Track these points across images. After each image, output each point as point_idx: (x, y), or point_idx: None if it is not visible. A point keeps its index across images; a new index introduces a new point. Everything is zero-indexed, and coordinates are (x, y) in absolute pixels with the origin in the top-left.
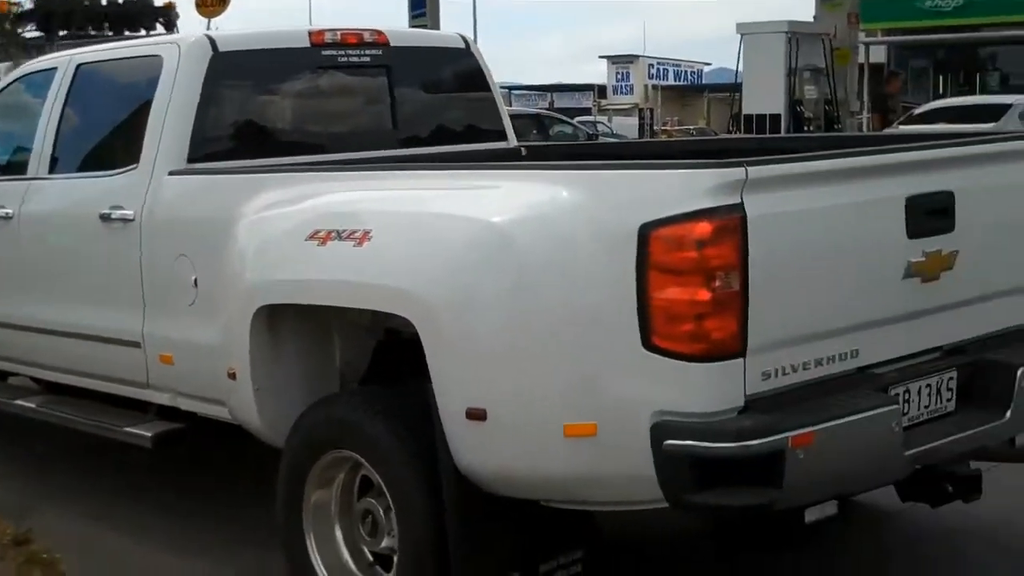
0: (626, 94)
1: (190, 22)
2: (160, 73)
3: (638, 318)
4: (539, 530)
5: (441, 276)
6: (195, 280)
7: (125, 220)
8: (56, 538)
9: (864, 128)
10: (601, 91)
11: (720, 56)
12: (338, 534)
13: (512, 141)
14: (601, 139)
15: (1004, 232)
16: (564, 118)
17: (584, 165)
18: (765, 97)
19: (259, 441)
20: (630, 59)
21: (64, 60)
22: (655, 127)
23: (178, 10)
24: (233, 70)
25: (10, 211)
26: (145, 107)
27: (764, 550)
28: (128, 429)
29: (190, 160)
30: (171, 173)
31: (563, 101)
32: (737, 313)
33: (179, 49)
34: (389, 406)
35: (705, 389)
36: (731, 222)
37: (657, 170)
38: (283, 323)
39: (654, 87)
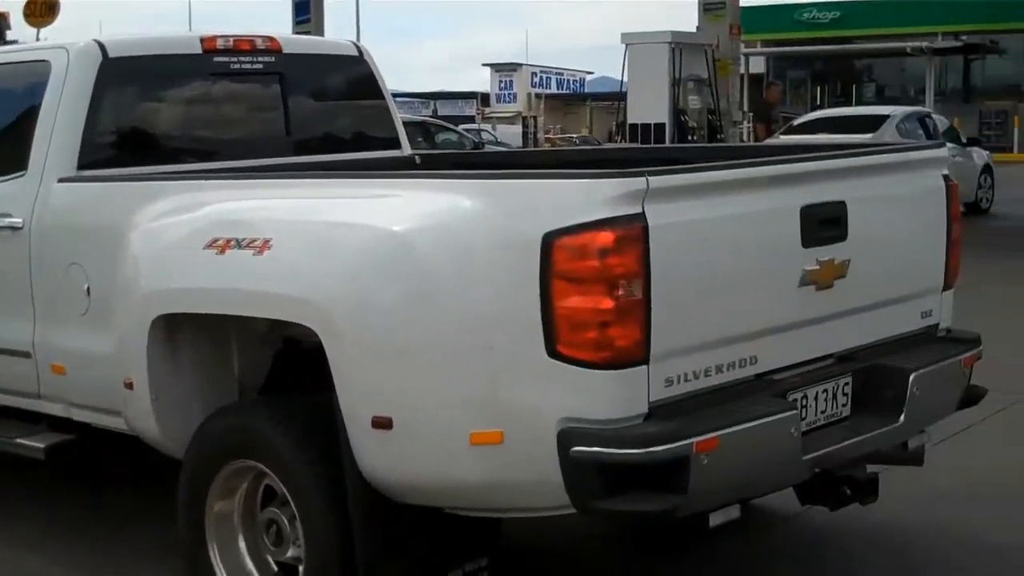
0: (509, 102)
1: (24, 35)
2: (48, 79)
3: (542, 326)
4: (445, 538)
5: (343, 285)
6: (88, 289)
7: (13, 228)
8: None
9: (745, 138)
10: (484, 99)
11: (602, 65)
12: (242, 545)
13: (406, 149)
14: (487, 147)
15: (893, 241)
16: (450, 126)
17: (485, 174)
18: (649, 106)
19: (157, 452)
20: (513, 67)
21: None
22: (539, 135)
23: (10, 20)
24: (123, 76)
25: None
26: (33, 113)
27: (669, 553)
28: (20, 440)
29: (80, 167)
30: (61, 180)
31: (446, 109)
32: (640, 321)
33: (68, 54)
34: (292, 415)
35: (610, 396)
36: (633, 231)
37: (559, 179)
38: (181, 332)
39: (537, 95)
